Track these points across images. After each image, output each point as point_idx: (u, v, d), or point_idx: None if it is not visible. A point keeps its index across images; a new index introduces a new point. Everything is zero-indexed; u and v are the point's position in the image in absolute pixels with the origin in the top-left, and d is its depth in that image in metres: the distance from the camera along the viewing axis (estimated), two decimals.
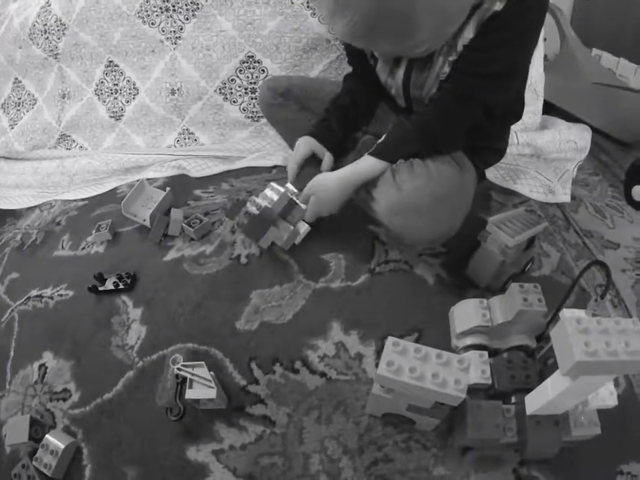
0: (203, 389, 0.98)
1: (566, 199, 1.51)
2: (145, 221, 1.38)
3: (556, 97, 1.95)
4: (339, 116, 1.20)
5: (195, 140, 1.78)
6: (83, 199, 1.65)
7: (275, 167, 1.62)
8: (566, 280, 1.20)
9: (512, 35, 0.90)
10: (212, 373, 1.02)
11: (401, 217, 1.01)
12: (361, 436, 0.93)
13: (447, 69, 0.99)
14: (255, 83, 1.68)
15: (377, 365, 1.00)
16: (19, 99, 2.00)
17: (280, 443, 0.97)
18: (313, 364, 1.07)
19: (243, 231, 1.25)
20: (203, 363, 1.01)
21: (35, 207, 1.74)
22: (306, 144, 1.19)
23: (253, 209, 1.25)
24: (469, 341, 1.00)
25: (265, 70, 1.66)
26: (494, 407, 0.85)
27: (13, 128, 2.00)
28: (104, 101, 1.87)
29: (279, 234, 1.23)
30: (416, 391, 0.74)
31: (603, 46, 2.24)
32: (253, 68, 1.66)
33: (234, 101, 1.72)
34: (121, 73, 1.81)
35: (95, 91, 1.87)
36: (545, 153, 1.69)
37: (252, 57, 1.64)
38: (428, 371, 0.74)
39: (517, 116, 1.21)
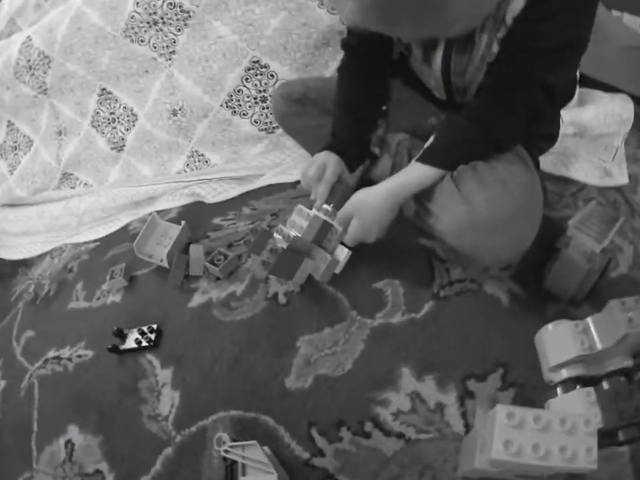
0: (259, 475, 0.78)
1: (624, 180, 1.29)
2: (161, 261, 1.23)
3: (585, 65, 1.69)
4: (351, 121, 1.04)
5: (207, 162, 1.60)
6: (94, 240, 1.53)
7: (298, 182, 1.37)
8: None
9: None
10: (266, 448, 0.83)
11: (473, 236, 0.83)
12: None
13: (495, 49, 0.81)
14: (264, 90, 1.48)
15: (462, 415, 0.84)
16: (15, 142, 1.87)
17: None
18: (387, 423, 0.86)
19: (271, 272, 1.03)
20: (255, 442, 0.81)
21: (46, 253, 1.63)
22: (334, 161, 1.01)
23: (280, 241, 1.06)
24: (565, 373, 0.80)
25: (275, 75, 1.45)
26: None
27: (12, 173, 1.88)
28: (102, 133, 1.70)
29: (315, 265, 1.03)
30: (541, 469, 0.62)
31: (621, 6, 1.96)
32: (261, 74, 1.45)
33: (244, 114, 1.52)
34: (116, 99, 1.64)
35: (92, 122, 1.71)
36: (589, 130, 1.45)
37: (257, 61, 1.44)
38: (554, 444, 0.60)
39: (572, 94, 1.02)
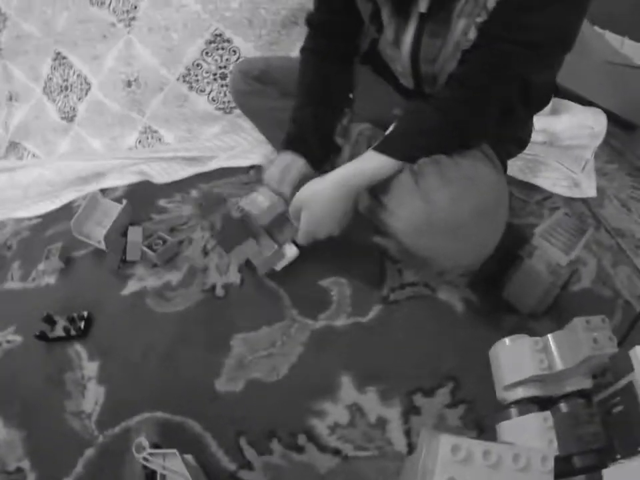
0: None
1: (592, 193, 1.24)
2: (99, 243, 1.13)
3: (562, 76, 1.63)
4: (314, 109, 0.94)
5: (159, 139, 1.51)
6: (36, 216, 1.41)
7: (252, 167, 1.34)
8: (608, 293, 0.96)
9: None
10: (190, 457, 0.74)
11: (431, 237, 0.75)
12: None
13: (472, 35, 0.73)
14: (225, 67, 1.38)
15: (405, 433, 0.76)
16: None
17: None
18: (322, 437, 0.78)
19: (215, 236, 0.98)
20: (175, 451, 0.71)
21: None
22: (299, 164, 0.93)
23: (234, 213, 0.95)
24: (521, 392, 0.73)
25: (237, 51, 1.36)
26: None
27: None
28: (54, 101, 1.58)
29: (257, 251, 0.94)
30: None
31: (603, 24, 1.92)
32: (222, 49, 1.35)
33: (201, 90, 1.42)
34: (70, 66, 1.52)
35: (44, 89, 1.58)
36: (560, 139, 1.39)
37: (220, 35, 1.34)
38: None
39: (548, 99, 0.95)
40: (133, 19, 1.38)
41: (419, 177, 0.75)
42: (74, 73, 1.52)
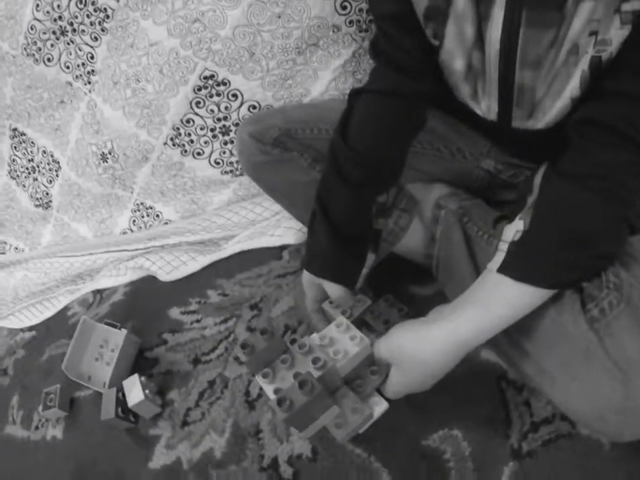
0: None
1: None
2: (105, 385, 0.88)
3: None
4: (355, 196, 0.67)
5: (157, 216, 1.17)
6: (30, 328, 1.23)
7: (283, 247, 0.99)
8: None
9: None
10: None
11: (621, 424, 0.49)
12: None
13: (611, 34, 0.46)
14: (225, 118, 1.00)
15: None
16: None
17: None
18: None
19: (287, 417, 0.56)
20: None
21: None
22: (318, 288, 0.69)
23: (309, 367, 0.60)
24: None
25: (238, 94, 0.98)
26: None
27: None
28: (23, 186, 1.29)
29: (340, 415, 0.61)
30: None
31: None
32: (218, 94, 0.98)
33: (198, 153, 1.07)
34: (32, 142, 1.20)
35: (9, 173, 1.29)
36: None
37: (212, 76, 0.95)
38: None
39: None
40: (92, 72, 1.02)
41: (604, 330, 0.47)
42: (38, 150, 1.19)
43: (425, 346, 0.53)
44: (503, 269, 0.49)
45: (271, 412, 0.74)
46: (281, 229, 0.96)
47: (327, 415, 0.61)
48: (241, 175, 1.06)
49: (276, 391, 0.57)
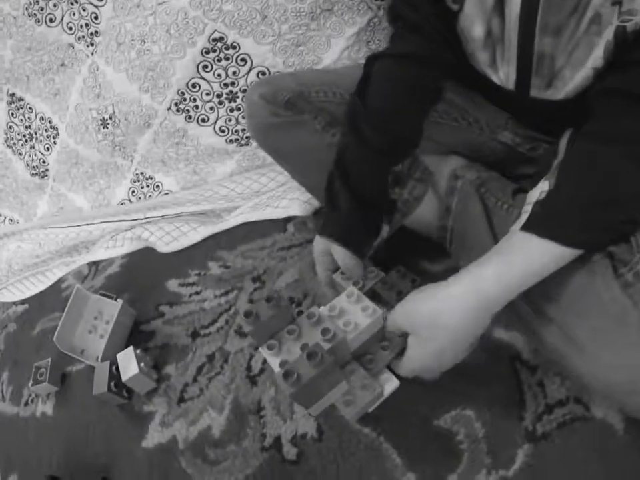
0: None
1: None
2: (98, 358, 0.83)
3: None
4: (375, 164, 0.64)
5: (157, 187, 1.13)
6: (22, 301, 1.18)
7: (288, 219, 0.94)
8: None
9: None
10: None
11: None
12: None
13: (637, 4, 0.43)
14: (233, 83, 0.96)
15: None
16: None
17: None
18: None
19: (293, 394, 0.53)
20: None
21: None
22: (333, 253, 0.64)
23: (318, 338, 0.55)
24: None
25: (247, 59, 0.93)
26: None
27: None
28: (20, 154, 1.23)
29: (348, 392, 0.58)
30: None
31: None
32: (226, 58, 0.93)
33: (203, 120, 1.02)
34: (30, 108, 1.14)
35: (6, 141, 1.23)
36: None
37: (221, 39, 0.91)
38: None
39: None
40: (95, 33, 0.97)
41: (639, 295, 0.45)
42: (36, 116, 1.14)
43: (444, 307, 0.49)
44: (527, 227, 0.46)
45: (274, 388, 0.70)
46: (286, 200, 0.91)
47: (336, 391, 0.57)
48: (246, 144, 1.02)
49: (282, 364, 0.53)
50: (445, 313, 0.48)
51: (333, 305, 0.58)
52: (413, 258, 0.77)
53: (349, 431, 0.63)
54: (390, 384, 0.58)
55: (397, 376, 0.60)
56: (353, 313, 0.57)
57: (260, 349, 0.56)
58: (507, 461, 0.57)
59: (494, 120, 0.70)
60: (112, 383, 0.75)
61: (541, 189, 0.50)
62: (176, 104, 0.99)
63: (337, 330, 0.53)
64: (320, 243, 0.65)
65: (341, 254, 0.62)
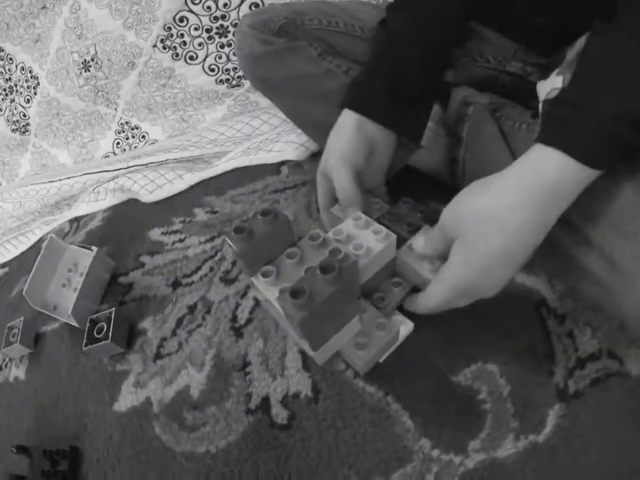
0: None
1: None
2: (69, 317, 0.71)
3: None
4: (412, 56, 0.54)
5: (143, 137, 1.03)
6: (2, 265, 1.06)
7: (283, 163, 0.84)
8: None
9: None
10: None
11: None
12: None
13: None
14: (223, 17, 0.86)
15: None
16: None
17: None
18: None
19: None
20: None
21: None
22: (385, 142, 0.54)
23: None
24: None
25: None
26: None
27: None
28: (0, 110, 1.11)
29: (360, 334, 0.49)
30: None
31: None
32: None
33: (190, 57, 0.91)
34: (10, 58, 1.03)
35: None
36: None
37: None
38: None
39: None
40: None
41: None
42: (16, 67, 1.04)
43: (499, 199, 0.38)
44: (542, 139, 0.37)
45: (262, 340, 0.59)
46: (281, 143, 0.81)
47: (350, 328, 0.46)
48: (238, 85, 0.92)
49: (282, 292, 0.42)
50: (501, 207, 0.38)
51: (339, 230, 0.47)
52: (420, 194, 0.67)
53: (350, 389, 0.52)
54: (405, 326, 0.49)
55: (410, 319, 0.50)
56: (363, 237, 0.47)
57: (252, 279, 0.46)
58: (537, 423, 0.47)
59: (501, 52, 0.62)
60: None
61: (552, 85, 0.40)
62: (162, 40, 0.88)
63: (348, 252, 0.42)
64: (324, 164, 0.54)
65: (341, 178, 0.51)
